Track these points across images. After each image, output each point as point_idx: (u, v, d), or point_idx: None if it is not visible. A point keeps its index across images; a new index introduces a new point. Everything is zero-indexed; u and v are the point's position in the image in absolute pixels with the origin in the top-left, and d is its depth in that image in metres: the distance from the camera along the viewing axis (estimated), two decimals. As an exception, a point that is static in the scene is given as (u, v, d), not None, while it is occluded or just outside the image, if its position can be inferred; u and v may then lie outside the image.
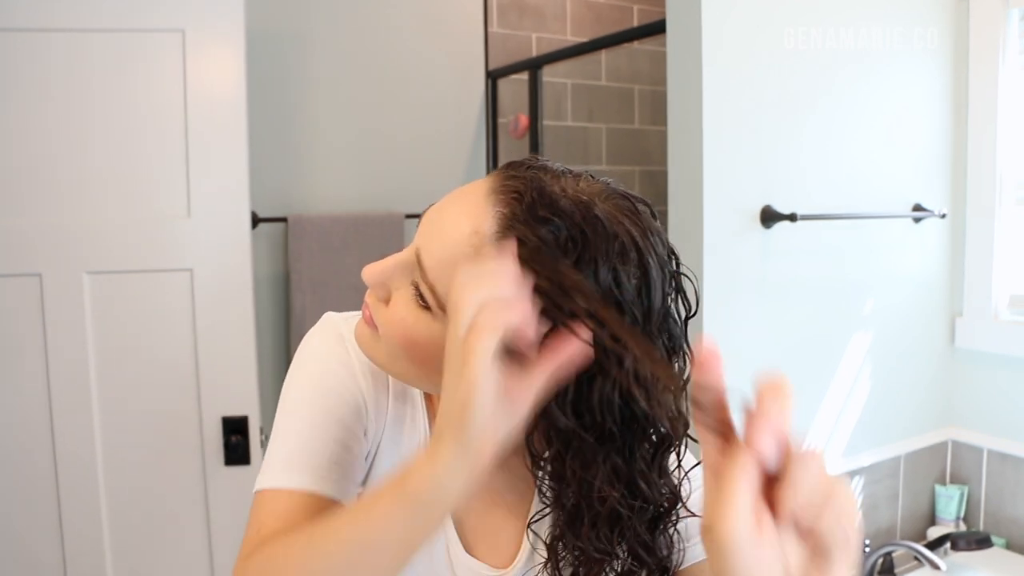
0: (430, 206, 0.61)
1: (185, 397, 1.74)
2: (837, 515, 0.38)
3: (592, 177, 0.60)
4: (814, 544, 0.38)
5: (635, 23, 2.71)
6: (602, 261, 0.54)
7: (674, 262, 0.60)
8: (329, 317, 0.74)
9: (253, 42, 1.83)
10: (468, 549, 0.70)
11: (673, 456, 0.61)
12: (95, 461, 1.70)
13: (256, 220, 2.00)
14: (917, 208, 1.83)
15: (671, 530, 0.62)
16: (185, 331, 1.73)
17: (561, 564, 0.62)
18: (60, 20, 1.62)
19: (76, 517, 1.70)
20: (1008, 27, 1.81)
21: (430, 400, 0.73)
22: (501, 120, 2.44)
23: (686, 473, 0.63)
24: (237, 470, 1.75)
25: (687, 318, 0.61)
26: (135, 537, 1.74)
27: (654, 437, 0.59)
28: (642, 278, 0.56)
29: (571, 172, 0.60)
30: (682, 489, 0.62)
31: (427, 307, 0.59)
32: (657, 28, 1.67)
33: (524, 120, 2.38)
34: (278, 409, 0.69)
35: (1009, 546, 1.81)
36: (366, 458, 0.70)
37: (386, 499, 0.52)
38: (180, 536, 1.77)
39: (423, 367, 0.61)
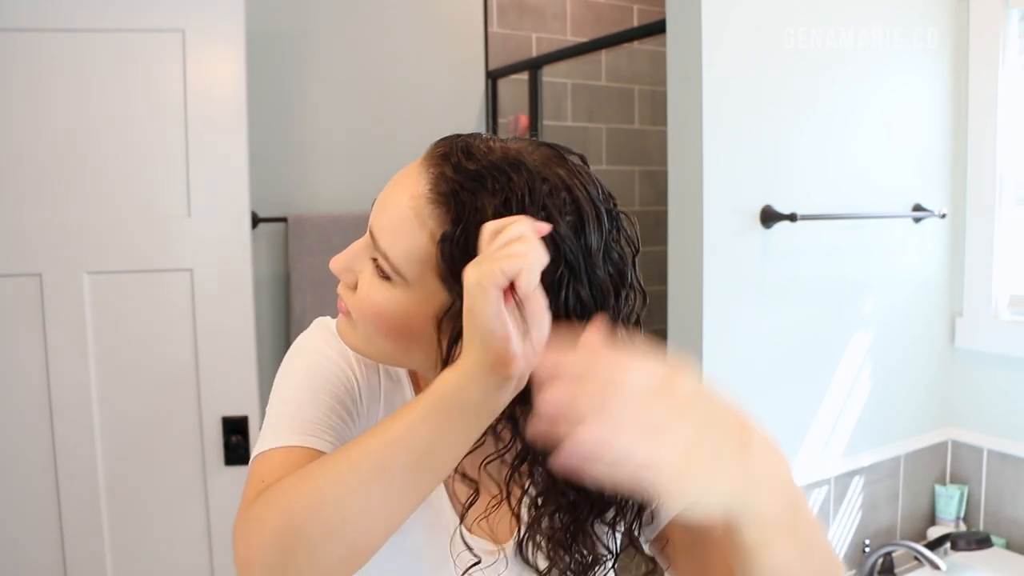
0: (366, 212, 0.67)
1: (185, 397, 1.74)
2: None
3: (520, 139, 0.65)
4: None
5: (635, 23, 2.71)
6: (529, 201, 0.58)
7: (611, 202, 0.64)
8: (320, 319, 0.77)
9: (253, 42, 1.83)
10: (467, 526, 0.71)
11: None
12: (95, 460, 1.70)
13: (256, 220, 2.00)
14: (917, 208, 1.83)
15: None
16: (185, 331, 1.73)
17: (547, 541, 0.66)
18: (60, 20, 1.62)
19: (76, 516, 1.70)
20: (1008, 27, 1.81)
21: (415, 379, 0.75)
22: (501, 120, 2.44)
23: None
24: (237, 470, 1.75)
25: (633, 256, 0.65)
26: (135, 536, 1.74)
27: None
28: (575, 214, 0.59)
29: (499, 138, 0.65)
30: None
31: (387, 277, 0.63)
32: (657, 28, 1.67)
33: (524, 120, 2.38)
34: (271, 398, 0.70)
35: (1009, 546, 1.81)
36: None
37: (411, 408, 0.54)
38: (180, 535, 1.77)
39: (396, 340, 0.64)
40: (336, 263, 0.67)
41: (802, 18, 1.60)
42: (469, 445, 0.55)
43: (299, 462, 0.60)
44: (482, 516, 0.70)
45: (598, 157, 2.68)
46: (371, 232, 0.64)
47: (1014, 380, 1.82)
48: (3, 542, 1.67)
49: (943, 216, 1.84)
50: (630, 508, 0.68)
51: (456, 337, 0.59)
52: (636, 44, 2.62)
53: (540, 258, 0.51)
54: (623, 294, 0.63)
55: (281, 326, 2.16)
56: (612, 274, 0.62)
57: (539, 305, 0.52)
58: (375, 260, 0.64)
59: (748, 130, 1.54)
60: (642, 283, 0.66)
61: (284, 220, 2.11)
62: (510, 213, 0.57)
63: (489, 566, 0.70)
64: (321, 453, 0.63)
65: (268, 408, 0.69)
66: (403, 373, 0.75)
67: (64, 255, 1.65)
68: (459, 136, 0.64)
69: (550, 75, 2.43)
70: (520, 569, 0.70)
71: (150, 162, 1.70)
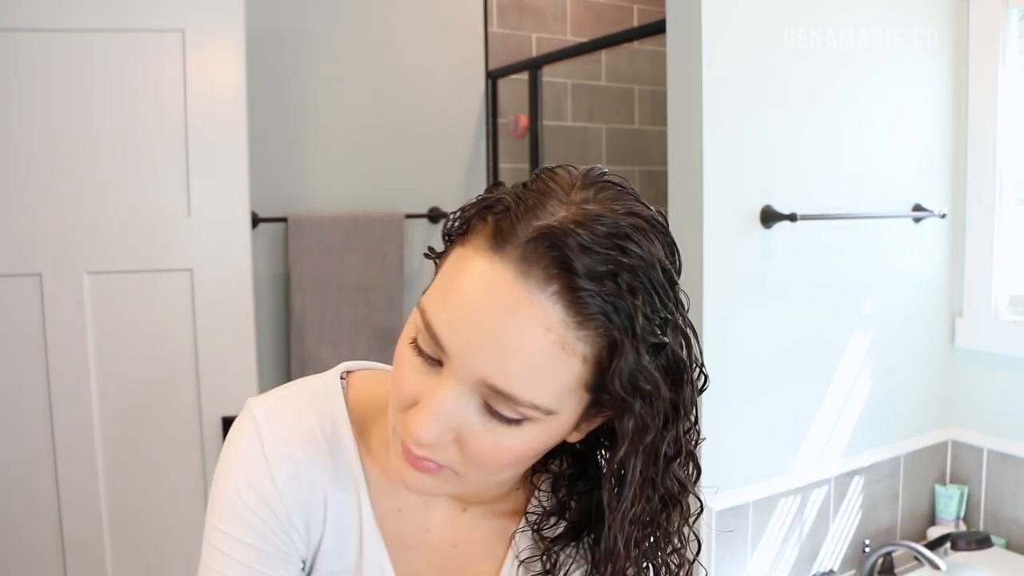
0: (425, 311, 0.53)
1: (185, 397, 1.74)
2: None
3: (585, 184, 0.58)
4: None
5: (635, 23, 2.71)
6: (658, 293, 0.53)
7: (678, 263, 0.59)
8: (248, 409, 0.66)
9: (253, 42, 1.83)
10: None
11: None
12: (95, 459, 1.70)
13: (256, 220, 2.00)
14: (917, 208, 1.83)
15: None
16: (185, 331, 1.73)
17: None
18: (60, 20, 1.62)
19: (76, 516, 1.70)
20: (1008, 27, 1.81)
21: (367, 452, 0.66)
22: (501, 120, 2.44)
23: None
24: (237, 470, 1.75)
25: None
26: (135, 536, 1.74)
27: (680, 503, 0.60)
28: (662, 302, 0.55)
29: (563, 194, 0.55)
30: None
31: (517, 421, 0.53)
32: (657, 28, 1.67)
33: (524, 120, 2.38)
34: (207, 517, 0.64)
35: (1009, 546, 1.81)
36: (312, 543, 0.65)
37: None
38: (180, 535, 1.77)
39: (529, 461, 0.58)
40: (424, 433, 0.53)
41: (802, 18, 1.60)
42: None
43: None
44: None
45: (598, 157, 2.68)
46: (494, 388, 0.51)
47: (1014, 380, 1.82)
48: (4, 540, 1.67)
49: (943, 216, 1.84)
50: None
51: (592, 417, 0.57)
52: (636, 44, 2.62)
53: None
54: (693, 373, 0.59)
55: (281, 326, 2.16)
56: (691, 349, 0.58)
57: None
58: (493, 409, 0.52)
59: (748, 130, 1.54)
60: (702, 363, 0.62)
61: (284, 220, 2.11)
62: (660, 311, 0.53)
63: None
64: None
65: (204, 549, 0.63)
66: (351, 451, 0.65)
67: (64, 255, 1.65)
68: (552, 214, 0.52)
69: (550, 75, 2.43)
70: None
71: (150, 162, 1.70)
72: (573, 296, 0.50)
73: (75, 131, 1.65)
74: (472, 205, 0.56)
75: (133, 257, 1.70)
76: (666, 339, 0.54)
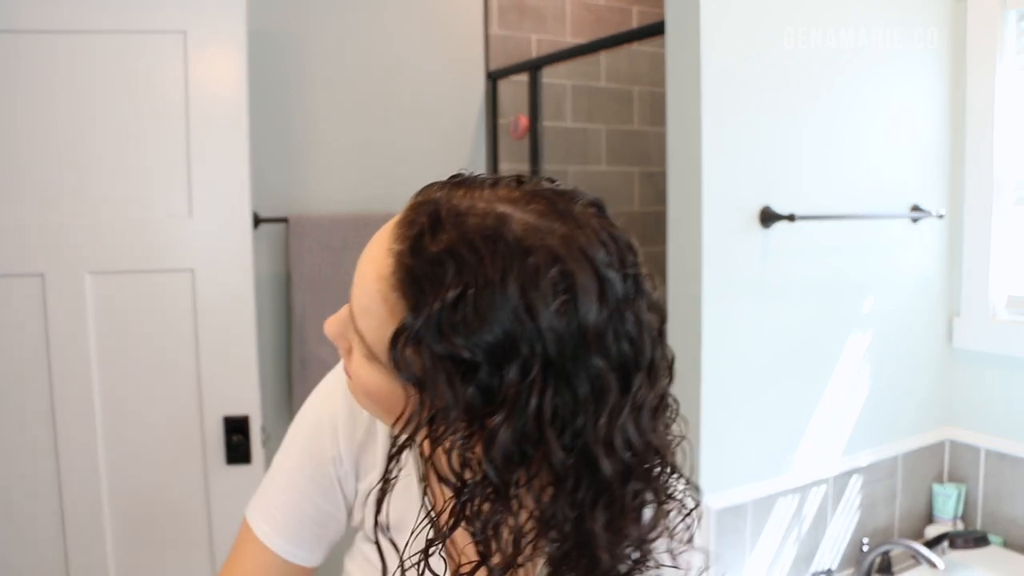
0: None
1: (187, 397, 1.75)
2: None
3: (518, 181, 0.56)
4: None
5: (634, 25, 2.72)
6: (503, 292, 0.49)
7: (631, 263, 0.54)
8: (336, 370, 0.77)
9: (254, 43, 1.84)
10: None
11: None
12: (97, 460, 1.71)
13: (257, 220, 2.00)
14: (915, 208, 1.84)
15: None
16: (187, 331, 1.74)
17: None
18: (62, 22, 1.63)
19: (78, 516, 1.71)
20: (1006, 27, 1.82)
21: None
22: (501, 121, 2.45)
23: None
24: (239, 469, 1.75)
25: (659, 326, 0.56)
26: (137, 535, 1.75)
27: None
28: (568, 292, 0.50)
29: (490, 181, 0.56)
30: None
31: (367, 355, 0.58)
32: (656, 29, 1.68)
33: (524, 121, 2.39)
34: (285, 439, 0.78)
35: (1006, 544, 1.82)
36: (355, 492, 0.77)
37: None
38: (182, 535, 1.77)
39: (390, 414, 0.59)
40: (328, 330, 0.61)
41: (801, 18, 1.61)
42: None
43: (262, 565, 0.74)
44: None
45: (597, 158, 2.68)
46: (351, 308, 0.58)
47: (1012, 380, 1.82)
48: (6, 540, 1.68)
49: (941, 216, 1.84)
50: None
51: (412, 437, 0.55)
52: (635, 45, 2.63)
53: None
54: (635, 379, 0.53)
55: (282, 326, 2.17)
56: (621, 354, 0.52)
57: None
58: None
59: (747, 130, 1.55)
60: (668, 356, 0.57)
61: (285, 220, 2.11)
62: (474, 304, 0.49)
63: None
64: (284, 561, 0.74)
65: (277, 456, 0.78)
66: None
67: (66, 255, 1.66)
68: (439, 191, 0.56)
69: (550, 76, 2.44)
70: None
71: (152, 162, 1.71)
72: (403, 260, 0.53)
73: (77, 132, 1.66)
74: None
75: (135, 257, 1.70)
76: (463, 354, 0.50)
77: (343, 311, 0.61)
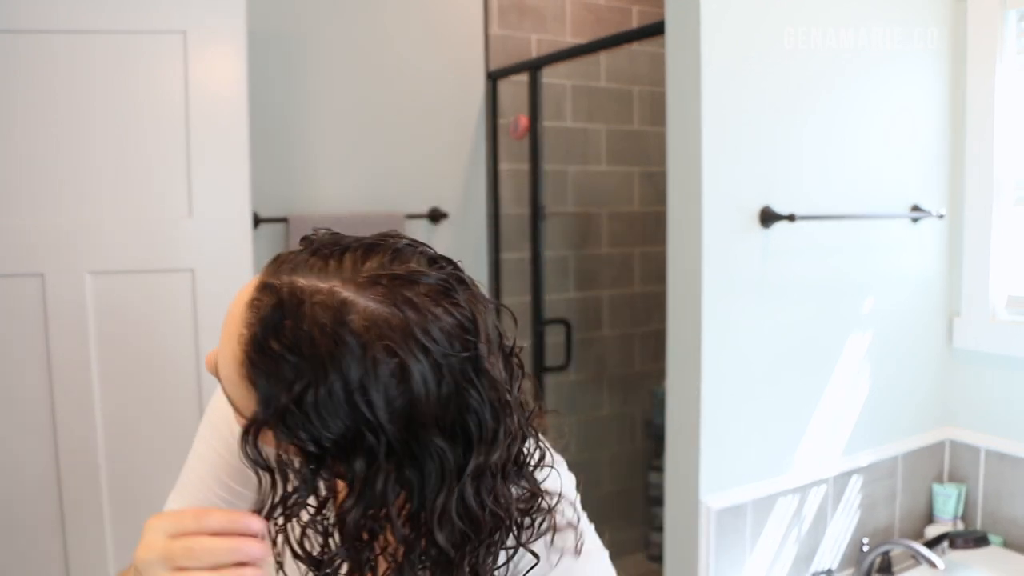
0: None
1: (187, 397, 1.75)
2: None
3: (364, 259, 0.55)
4: None
5: (634, 24, 2.72)
6: (344, 389, 0.51)
7: (468, 339, 0.55)
8: None
9: (254, 43, 1.84)
10: None
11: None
12: (97, 460, 1.71)
13: (257, 220, 2.00)
14: (915, 208, 1.84)
15: None
16: (187, 331, 1.74)
17: None
18: (62, 21, 1.63)
19: (78, 516, 1.71)
20: (1006, 27, 1.82)
21: None
22: (501, 121, 2.45)
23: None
24: (238, 469, 1.75)
25: (511, 352, 0.60)
26: (137, 535, 1.75)
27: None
28: (405, 383, 0.52)
29: (337, 253, 0.56)
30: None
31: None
32: (656, 29, 1.68)
33: (524, 121, 2.39)
34: (195, 441, 0.80)
35: (1006, 545, 1.82)
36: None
37: None
38: (181, 535, 1.77)
39: None
40: (208, 366, 0.62)
41: (801, 18, 1.60)
42: None
43: None
44: None
45: (597, 158, 2.68)
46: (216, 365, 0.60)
47: (1012, 380, 1.82)
48: (6, 541, 1.68)
49: (941, 216, 1.84)
50: None
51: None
52: (635, 45, 2.63)
53: None
54: (476, 451, 0.56)
55: (282, 326, 2.16)
56: (464, 430, 0.55)
57: None
58: None
59: (747, 130, 1.55)
60: (522, 424, 0.60)
61: (285, 220, 2.11)
62: (315, 402, 0.52)
63: None
64: None
65: (192, 448, 0.79)
66: None
67: (66, 255, 1.66)
68: (287, 268, 0.56)
69: (550, 76, 2.44)
70: None
71: (152, 162, 1.71)
72: (249, 356, 0.54)
73: (77, 132, 1.66)
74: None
75: (135, 257, 1.70)
76: (309, 448, 0.53)
77: (212, 358, 0.61)
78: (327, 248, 0.57)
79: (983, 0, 1.83)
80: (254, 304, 0.55)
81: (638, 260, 2.72)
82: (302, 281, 0.54)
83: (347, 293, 0.53)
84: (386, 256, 0.56)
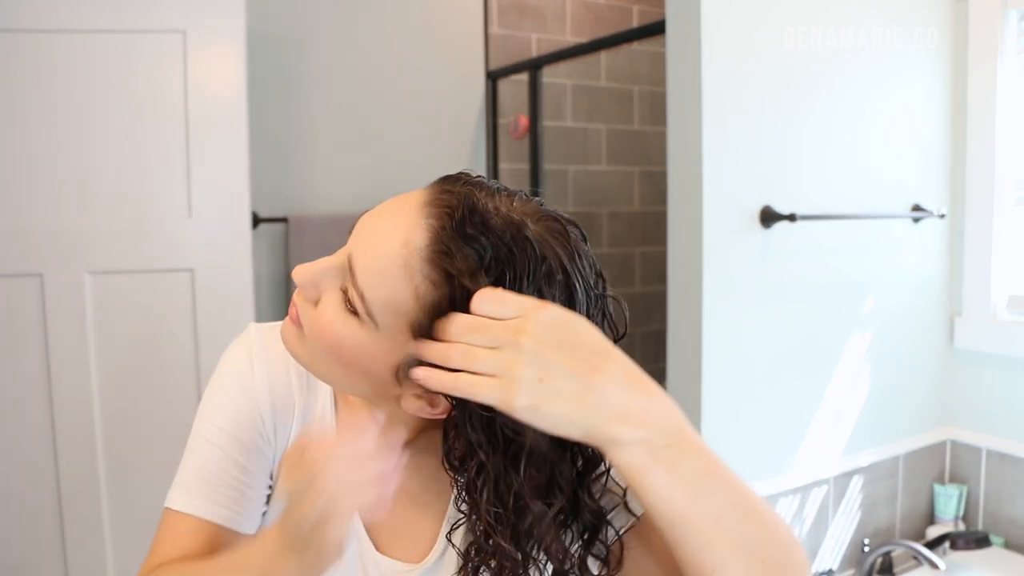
0: (365, 212, 0.62)
1: (185, 396, 1.74)
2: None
3: (526, 196, 0.62)
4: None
5: (635, 24, 2.71)
6: (527, 282, 0.56)
7: (602, 285, 0.61)
8: (248, 328, 0.76)
9: (254, 43, 1.84)
10: (381, 549, 0.70)
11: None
12: (96, 458, 1.71)
13: (257, 220, 2.00)
14: (916, 208, 1.84)
15: (598, 547, 0.64)
16: (186, 331, 1.73)
17: (480, 569, 0.64)
18: (62, 21, 1.62)
19: (77, 516, 1.71)
20: (1007, 27, 1.82)
21: (342, 403, 0.74)
22: (501, 121, 2.44)
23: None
24: (238, 470, 1.75)
25: (616, 341, 0.62)
26: (137, 536, 1.74)
27: (579, 462, 0.61)
28: (567, 301, 0.57)
29: (505, 191, 0.61)
30: (603, 500, 0.64)
31: (355, 312, 0.59)
32: (657, 29, 1.68)
33: (524, 121, 2.39)
34: (194, 426, 0.74)
35: (1008, 545, 1.81)
36: (275, 452, 0.74)
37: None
38: (181, 535, 1.77)
39: (346, 369, 0.62)
40: (301, 276, 0.62)
41: (801, 18, 1.60)
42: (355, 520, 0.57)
43: (193, 537, 0.68)
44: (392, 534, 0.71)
45: (598, 158, 2.68)
46: (351, 263, 0.60)
47: (1013, 380, 1.82)
48: (4, 540, 1.68)
49: (942, 216, 1.84)
50: (579, 529, 0.64)
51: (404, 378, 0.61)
52: (636, 45, 2.63)
53: (348, 491, 0.53)
54: None
55: (281, 326, 2.16)
56: None
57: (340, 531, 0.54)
58: (346, 291, 0.60)
59: (747, 130, 1.55)
60: None
61: (285, 220, 2.11)
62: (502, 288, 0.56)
63: None
64: (216, 527, 0.69)
65: (189, 439, 0.73)
66: (324, 386, 0.74)
67: (65, 255, 1.66)
68: (467, 182, 0.61)
69: (550, 76, 2.43)
70: None
71: (151, 162, 1.70)
72: (439, 235, 0.57)
73: (76, 131, 1.65)
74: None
75: (134, 257, 1.70)
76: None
77: (322, 263, 0.62)
78: (490, 183, 0.62)
79: (984, 0, 1.83)
80: (440, 200, 0.58)
81: (638, 260, 2.72)
82: (481, 197, 0.59)
83: (522, 217, 0.58)
84: (538, 204, 0.62)
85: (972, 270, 1.90)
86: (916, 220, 1.84)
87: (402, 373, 0.60)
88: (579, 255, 0.60)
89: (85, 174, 1.66)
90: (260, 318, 1.98)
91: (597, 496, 0.62)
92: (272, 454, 0.72)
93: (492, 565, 0.62)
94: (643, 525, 0.66)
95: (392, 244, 0.57)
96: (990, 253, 1.86)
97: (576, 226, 0.62)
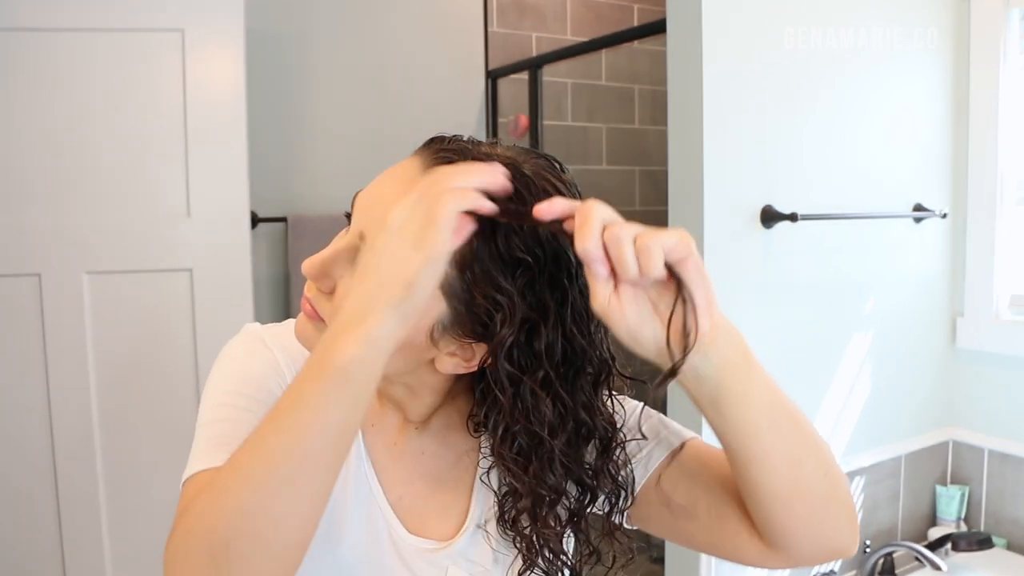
0: (358, 192, 0.63)
1: (185, 397, 1.74)
2: (675, 259, 0.53)
3: (504, 144, 0.65)
4: (673, 287, 0.53)
5: (635, 23, 2.71)
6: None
7: None
8: (249, 326, 0.75)
9: (253, 42, 1.83)
10: (411, 530, 0.71)
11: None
12: (94, 460, 1.70)
13: (256, 220, 1.99)
14: (918, 208, 1.83)
15: (617, 454, 0.66)
16: (185, 331, 1.73)
17: (517, 518, 0.65)
18: (60, 20, 1.62)
19: (75, 516, 1.70)
20: (1008, 27, 1.81)
21: None
22: (501, 120, 2.44)
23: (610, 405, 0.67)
24: (237, 470, 1.75)
25: None
26: (135, 536, 1.74)
27: (590, 371, 0.62)
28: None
29: (488, 142, 0.64)
30: (617, 416, 0.66)
31: None
32: (657, 28, 1.67)
33: (524, 120, 2.38)
34: (201, 409, 0.69)
35: (1010, 547, 1.81)
36: None
37: (313, 391, 0.51)
38: (180, 536, 1.76)
39: None
40: (313, 267, 0.62)
41: (802, 18, 1.60)
42: (365, 405, 0.53)
43: None
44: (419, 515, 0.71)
45: (598, 157, 2.67)
46: (365, 238, 0.60)
47: (1015, 380, 1.81)
48: (3, 541, 1.67)
49: (944, 216, 1.83)
50: (605, 488, 0.67)
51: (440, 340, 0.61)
52: (636, 44, 2.62)
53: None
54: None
55: (281, 326, 2.16)
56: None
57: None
58: None
59: (748, 130, 1.54)
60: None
61: (284, 220, 2.11)
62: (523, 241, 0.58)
63: (434, 564, 0.71)
64: None
65: (199, 421, 0.68)
66: None
67: (64, 255, 1.65)
68: (454, 139, 0.63)
69: (550, 75, 2.43)
70: (469, 566, 0.71)
71: (150, 162, 1.70)
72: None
73: (75, 131, 1.65)
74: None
75: (133, 257, 1.69)
76: (526, 256, 0.57)
77: (330, 250, 0.62)
78: (472, 139, 0.64)
79: (986, 0, 1.83)
80: (443, 158, 0.60)
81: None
82: (474, 147, 0.61)
83: (512, 157, 0.61)
84: (519, 147, 0.64)
85: (974, 270, 1.89)
86: (918, 220, 1.84)
87: (436, 333, 0.60)
88: (567, 183, 0.62)
89: (84, 173, 1.66)
90: (259, 318, 1.98)
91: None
92: None
93: (528, 507, 0.64)
94: (685, 454, 0.70)
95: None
96: (992, 253, 1.85)
97: (557, 160, 0.64)
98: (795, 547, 0.64)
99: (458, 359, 0.63)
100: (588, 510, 0.67)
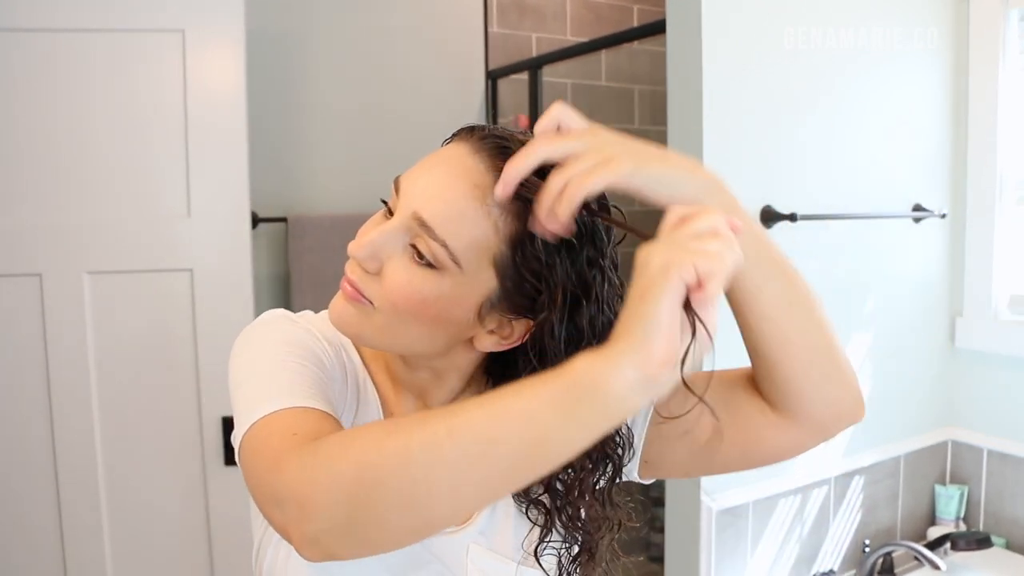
0: (399, 176, 0.66)
1: (185, 397, 1.74)
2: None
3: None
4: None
5: (635, 23, 2.71)
6: None
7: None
8: (268, 313, 0.73)
9: (253, 42, 1.83)
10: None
11: None
12: (95, 460, 1.70)
13: (256, 220, 1.99)
14: (917, 208, 1.83)
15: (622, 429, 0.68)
16: (185, 331, 1.73)
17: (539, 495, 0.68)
18: (60, 20, 1.62)
19: (76, 516, 1.70)
20: (1008, 27, 1.81)
21: (371, 375, 0.74)
22: (501, 120, 2.44)
23: None
24: (237, 470, 1.74)
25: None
26: (135, 536, 1.74)
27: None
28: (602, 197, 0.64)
29: (515, 130, 0.67)
30: None
31: (429, 265, 0.61)
32: (657, 28, 1.67)
33: (524, 121, 2.38)
34: (236, 381, 0.65)
35: (1009, 546, 1.81)
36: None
37: (532, 387, 0.48)
38: (180, 535, 1.77)
39: (428, 326, 0.63)
40: (361, 248, 0.62)
41: (802, 18, 1.60)
42: (586, 444, 0.48)
43: (321, 422, 0.56)
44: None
45: (598, 157, 2.67)
46: (421, 219, 0.60)
47: (1014, 380, 1.82)
48: (3, 539, 1.67)
49: (943, 216, 1.84)
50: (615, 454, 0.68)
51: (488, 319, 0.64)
52: (636, 44, 2.62)
53: (735, 261, 0.49)
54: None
55: (281, 326, 2.16)
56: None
57: (713, 317, 0.48)
58: (415, 246, 0.61)
59: (748, 130, 1.54)
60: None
61: (284, 220, 2.10)
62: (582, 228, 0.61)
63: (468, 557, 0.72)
64: (326, 414, 0.58)
65: (239, 388, 0.63)
66: (360, 369, 0.73)
67: (64, 255, 1.65)
68: (487, 129, 0.65)
69: (550, 75, 2.43)
70: (488, 542, 0.73)
71: (150, 162, 1.70)
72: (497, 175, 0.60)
73: (75, 131, 1.65)
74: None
75: (133, 257, 1.69)
76: (574, 240, 0.60)
77: (380, 231, 0.62)
78: (503, 128, 0.67)
79: (985, 0, 1.83)
80: (494, 145, 0.63)
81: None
82: (509, 138, 0.64)
83: None
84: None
85: (973, 270, 1.89)
86: (917, 220, 1.84)
87: (484, 309, 0.63)
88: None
89: (84, 173, 1.66)
90: (259, 318, 1.98)
91: None
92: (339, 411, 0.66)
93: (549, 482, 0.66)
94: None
95: (461, 188, 0.61)
96: (991, 253, 1.85)
97: None
98: (811, 412, 0.72)
99: (496, 337, 0.65)
100: (600, 476, 0.69)
